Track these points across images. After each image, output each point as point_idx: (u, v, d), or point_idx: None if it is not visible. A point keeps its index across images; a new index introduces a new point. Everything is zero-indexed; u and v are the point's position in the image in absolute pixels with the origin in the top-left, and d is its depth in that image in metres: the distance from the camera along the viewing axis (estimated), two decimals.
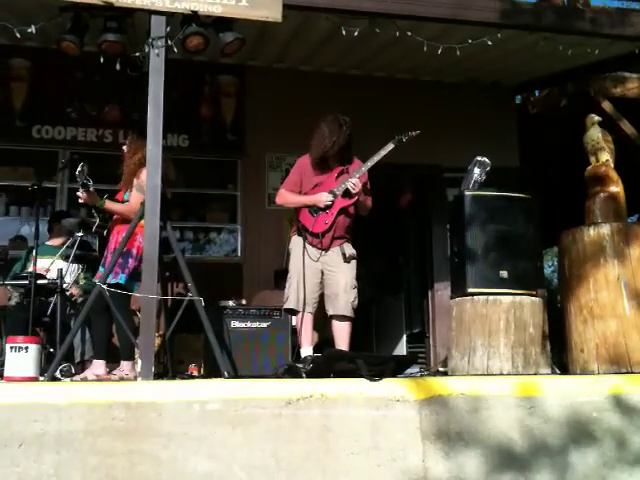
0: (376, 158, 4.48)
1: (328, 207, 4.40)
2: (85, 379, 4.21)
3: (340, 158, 4.48)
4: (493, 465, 3.12)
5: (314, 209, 4.43)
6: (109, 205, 4.36)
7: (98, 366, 4.35)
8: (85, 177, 4.21)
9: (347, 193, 4.42)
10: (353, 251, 4.48)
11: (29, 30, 4.39)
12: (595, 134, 4.67)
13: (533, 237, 4.40)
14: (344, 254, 4.40)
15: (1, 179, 6.20)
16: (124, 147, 4.51)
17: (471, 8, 4.90)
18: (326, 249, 4.41)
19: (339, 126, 4.40)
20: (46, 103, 6.31)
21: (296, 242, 4.48)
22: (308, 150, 4.54)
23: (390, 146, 4.49)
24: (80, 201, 4.34)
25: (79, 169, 4.19)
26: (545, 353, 4.05)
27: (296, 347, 4.44)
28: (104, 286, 3.84)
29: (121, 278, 4.20)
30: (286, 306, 4.44)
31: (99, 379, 4.19)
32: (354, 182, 4.38)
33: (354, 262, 4.45)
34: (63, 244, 5.23)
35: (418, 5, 4.79)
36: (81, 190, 4.27)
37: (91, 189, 4.26)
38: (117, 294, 3.95)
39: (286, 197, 4.57)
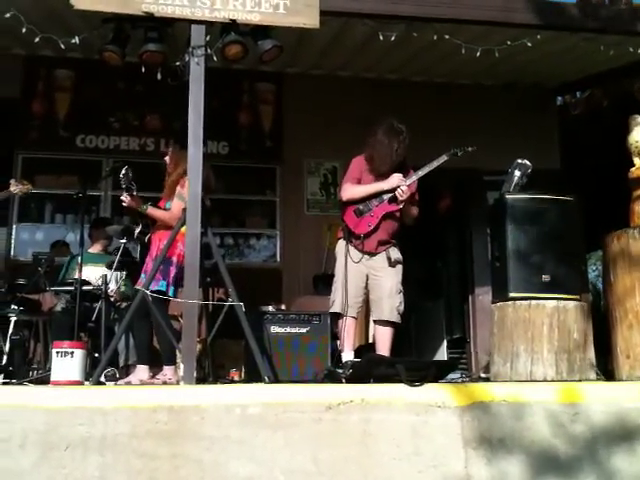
0: (427, 168, 4.42)
1: (392, 199, 4.33)
2: (129, 383, 4.28)
3: (397, 168, 4.41)
4: (536, 472, 3.08)
5: (359, 210, 4.39)
6: (151, 211, 4.43)
7: (142, 371, 4.41)
8: (129, 181, 4.30)
9: (394, 199, 4.38)
10: (399, 255, 4.43)
11: (73, 41, 4.50)
12: (639, 135, 4.57)
13: (576, 240, 4.32)
14: (389, 258, 4.37)
15: (47, 187, 6.35)
16: (166, 158, 4.58)
17: (512, 10, 4.85)
18: (371, 253, 4.37)
19: (398, 134, 4.34)
20: (89, 113, 6.45)
21: (341, 246, 4.46)
22: (357, 153, 4.50)
23: (444, 158, 4.42)
24: (124, 204, 4.43)
25: (123, 172, 4.28)
26: (590, 359, 3.98)
27: (336, 352, 4.44)
28: (147, 292, 3.90)
29: (162, 285, 4.26)
30: (332, 310, 4.43)
31: (143, 383, 4.25)
32: (403, 189, 4.33)
33: (400, 267, 4.41)
34: (103, 250, 5.36)
35: (458, 9, 4.77)
36: (125, 194, 4.36)
37: (134, 193, 4.35)
38: (158, 300, 4.02)
39: (353, 190, 4.42)
